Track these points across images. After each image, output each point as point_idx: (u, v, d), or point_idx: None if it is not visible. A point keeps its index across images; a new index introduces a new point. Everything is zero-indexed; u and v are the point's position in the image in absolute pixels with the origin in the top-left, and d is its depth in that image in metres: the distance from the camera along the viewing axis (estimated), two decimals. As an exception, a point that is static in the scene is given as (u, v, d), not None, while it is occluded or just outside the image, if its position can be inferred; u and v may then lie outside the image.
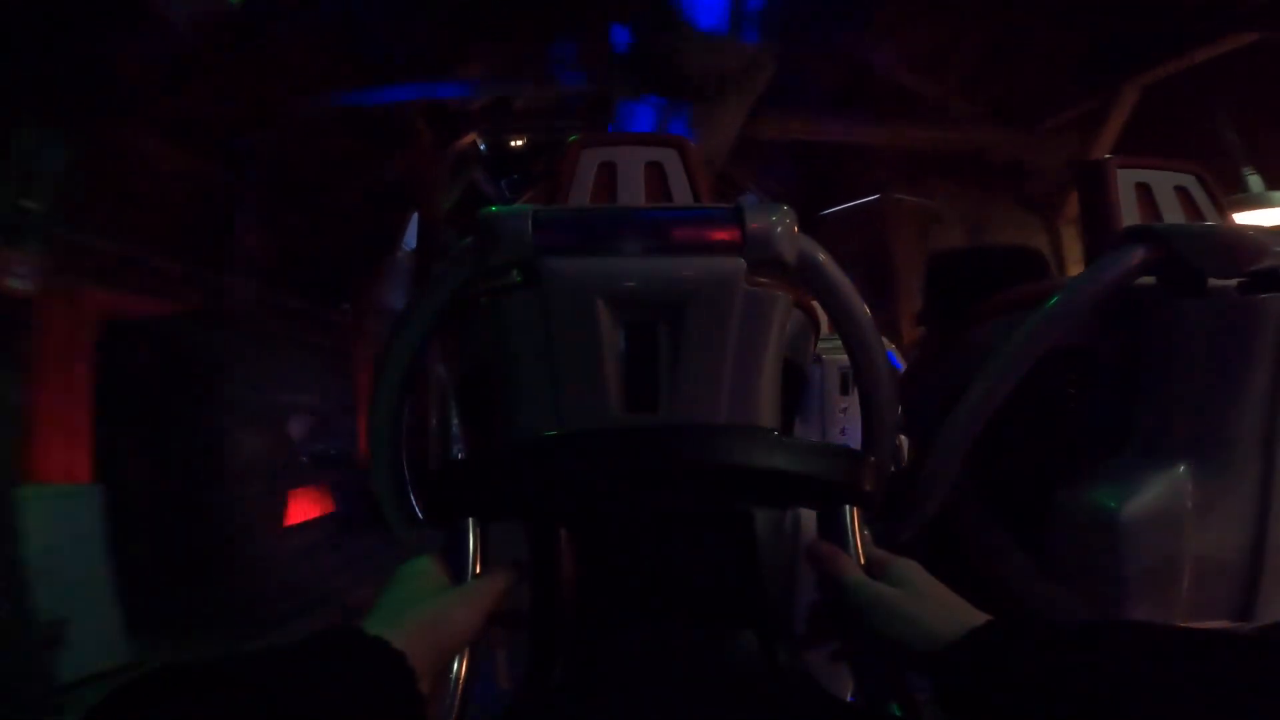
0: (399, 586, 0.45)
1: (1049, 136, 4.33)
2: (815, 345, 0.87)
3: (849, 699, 0.58)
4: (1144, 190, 0.92)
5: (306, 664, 0.34)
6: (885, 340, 0.64)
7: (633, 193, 0.84)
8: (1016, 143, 4.42)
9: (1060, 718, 0.30)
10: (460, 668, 0.46)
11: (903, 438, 0.91)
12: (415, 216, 5.34)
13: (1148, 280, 0.73)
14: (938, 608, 0.41)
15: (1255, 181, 3.06)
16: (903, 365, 1.34)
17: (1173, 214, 0.92)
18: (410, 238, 5.53)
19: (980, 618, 0.39)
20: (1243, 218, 1.97)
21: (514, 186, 5.97)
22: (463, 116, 4.99)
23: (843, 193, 5.27)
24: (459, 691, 0.46)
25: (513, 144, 5.81)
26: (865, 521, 0.53)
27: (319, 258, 4.70)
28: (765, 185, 5.40)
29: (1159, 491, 0.74)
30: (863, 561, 0.50)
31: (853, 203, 5.20)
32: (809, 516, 0.57)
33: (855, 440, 0.82)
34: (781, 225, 0.56)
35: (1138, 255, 0.70)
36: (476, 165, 5.79)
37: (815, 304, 0.76)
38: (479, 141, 5.58)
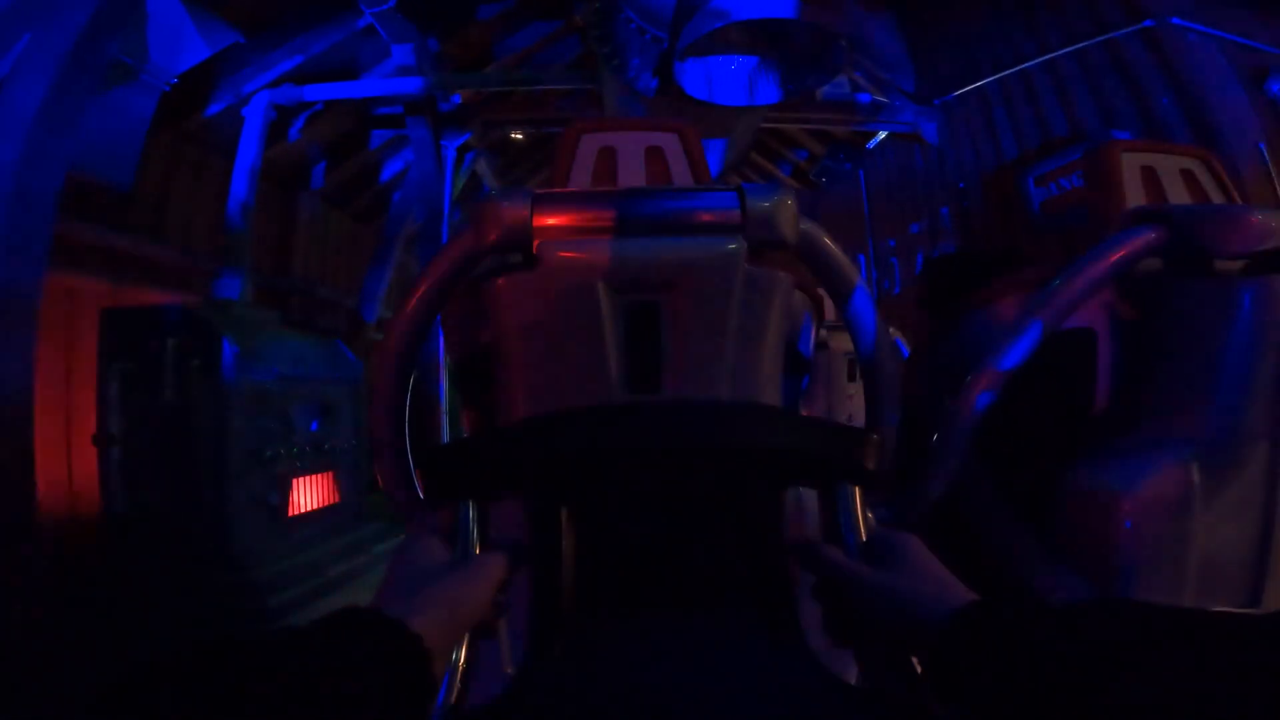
0: (404, 566, 0.45)
1: None
2: (819, 329, 0.86)
3: (853, 681, 0.57)
4: (1150, 174, 0.92)
5: (326, 644, 0.34)
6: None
7: (633, 177, 0.84)
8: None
9: (1044, 696, 0.30)
10: (463, 648, 0.46)
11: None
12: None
13: (1155, 261, 0.73)
14: (931, 588, 0.41)
15: None
16: (908, 350, 1.33)
17: (1179, 197, 0.91)
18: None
19: (971, 597, 0.39)
20: None
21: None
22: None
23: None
24: (460, 672, 0.46)
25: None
26: (870, 501, 0.52)
27: None
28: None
29: (1165, 475, 0.73)
30: (864, 540, 0.49)
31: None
32: (811, 496, 0.57)
33: None
34: (782, 206, 0.56)
35: (1144, 236, 0.70)
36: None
37: (820, 289, 0.75)
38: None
